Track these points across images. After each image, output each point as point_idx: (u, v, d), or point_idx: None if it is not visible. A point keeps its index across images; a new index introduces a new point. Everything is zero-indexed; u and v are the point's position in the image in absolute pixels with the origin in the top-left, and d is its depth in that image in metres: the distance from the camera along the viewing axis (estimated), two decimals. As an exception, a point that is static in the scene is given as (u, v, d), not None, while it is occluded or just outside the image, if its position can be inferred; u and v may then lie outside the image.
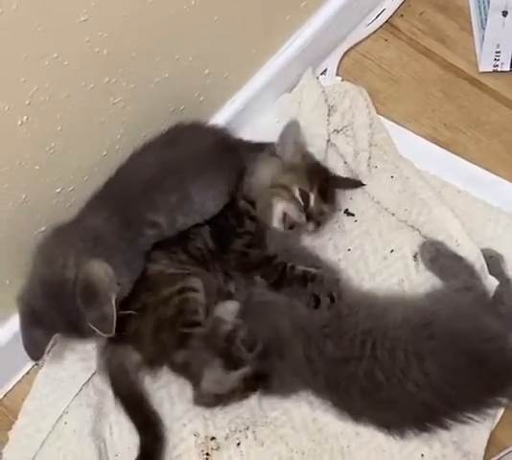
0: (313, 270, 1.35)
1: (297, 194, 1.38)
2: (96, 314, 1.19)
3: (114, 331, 1.19)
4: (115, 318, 1.19)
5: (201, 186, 1.35)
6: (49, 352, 1.47)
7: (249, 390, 1.35)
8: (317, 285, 1.33)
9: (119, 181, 1.34)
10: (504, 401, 1.30)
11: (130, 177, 1.34)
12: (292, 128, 1.44)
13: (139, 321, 1.31)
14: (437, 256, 1.41)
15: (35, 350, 1.23)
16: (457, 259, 1.40)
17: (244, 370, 1.30)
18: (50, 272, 1.22)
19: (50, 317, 1.21)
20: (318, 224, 1.40)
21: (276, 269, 1.35)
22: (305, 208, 1.38)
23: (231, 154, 1.42)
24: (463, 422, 1.28)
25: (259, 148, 1.48)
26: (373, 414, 1.30)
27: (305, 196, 1.38)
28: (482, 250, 1.42)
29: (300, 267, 1.36)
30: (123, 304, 1.26)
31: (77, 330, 1.22)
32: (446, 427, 1.29)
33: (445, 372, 1.25)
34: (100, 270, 1.21)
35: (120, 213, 1.30)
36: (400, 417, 1.29)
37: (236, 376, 1.30)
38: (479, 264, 1.40)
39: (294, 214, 1.38)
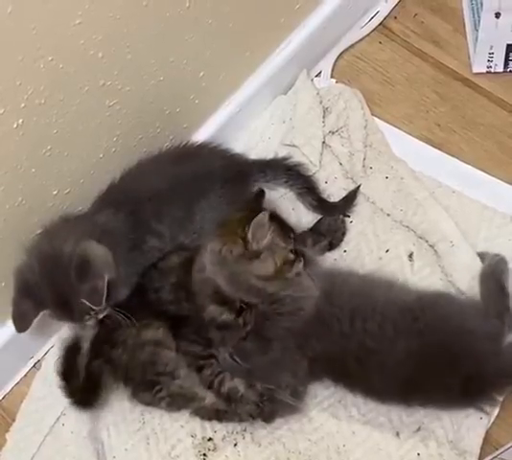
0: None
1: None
2: (87, 287, 1.21)
3: (104, 303, 1.22)
4: (105, 293, 1.21)
5: (204, 206, 1.37)
6: (46, 353, 1.48)
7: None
8: None
9: (129, 185, 1.35)
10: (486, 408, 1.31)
11: (140, 183, 1.35)
12: None
13: (116, 352, 1.35)
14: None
15: (22, 322, 1.24)
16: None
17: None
18: (49, 247, 1.24)
19: (41, 292, 1.22)
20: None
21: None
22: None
23: (239, 183, 1.44)
24: (437, 406, 1.30)
25: (269, 164, 1.50)
26: (365, 381, 1.30)
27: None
28: (479, 254, 1.42)
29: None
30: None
31: (66, 308, 1.23)
32: (423, 405, 1.29)
33: (426, 354, 1.25)
34: (98, 249, 1.23)
35: (128, 215, 1.31)
36: (386, 383, 1.28)
37: None
38: (475, 264, 1.40)
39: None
